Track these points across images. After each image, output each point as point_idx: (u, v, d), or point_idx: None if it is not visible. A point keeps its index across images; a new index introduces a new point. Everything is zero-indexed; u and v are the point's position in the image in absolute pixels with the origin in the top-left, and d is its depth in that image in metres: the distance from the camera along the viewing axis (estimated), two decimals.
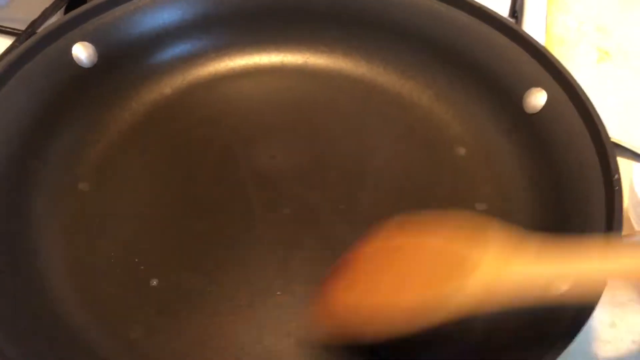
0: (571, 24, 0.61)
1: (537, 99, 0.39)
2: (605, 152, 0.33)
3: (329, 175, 0.41)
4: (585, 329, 0.39)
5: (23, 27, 0.52)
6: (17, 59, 0.39)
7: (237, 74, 0.47)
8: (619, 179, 0.32)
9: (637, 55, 0.57)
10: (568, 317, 0.27)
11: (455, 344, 0.32)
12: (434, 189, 0.40)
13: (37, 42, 0.40)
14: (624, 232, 0.32)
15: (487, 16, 0.42)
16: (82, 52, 0.42)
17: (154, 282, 0.35)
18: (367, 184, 0.40)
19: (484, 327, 0.31)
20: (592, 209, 0.32)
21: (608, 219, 0.31)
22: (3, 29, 0.53)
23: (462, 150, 0.42)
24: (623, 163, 0.42)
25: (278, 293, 0.35)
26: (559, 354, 0.25)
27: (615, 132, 0.49)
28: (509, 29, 0.41)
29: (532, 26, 0.57)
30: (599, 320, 0.40)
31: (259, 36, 0.47)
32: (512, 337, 0.30)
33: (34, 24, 0.52)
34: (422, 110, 0.44)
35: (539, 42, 0.39)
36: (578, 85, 0.37)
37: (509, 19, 0.52)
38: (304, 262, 0.36)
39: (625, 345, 0.39)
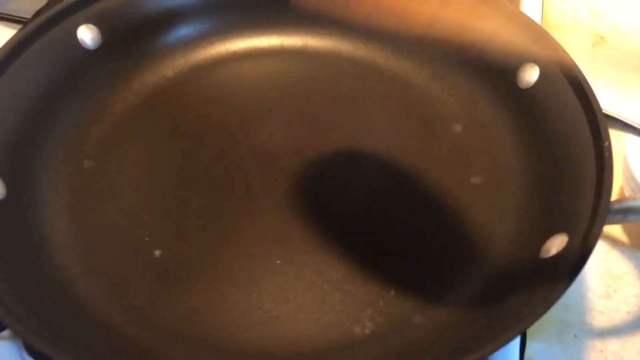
0: (567, 10, 0.61)
1: (531, 74, 0.40)
2: (596, 120, 0.34)
3: (326, 153, 0.41)
4: (580, 300, 0.40)
5: (30, 16, 0.53)
6: (24, 40, 0.40)
7: (238, 57, 0.48)
8: (609, 146, 0.33)
9: (631, 39, 0.58)
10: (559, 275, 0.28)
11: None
12: (430, 165, 0.41)
13: (42, 24, 0.41)
14: (616, 198, 0.33)
15: None
16: (86, 34, 0.43)
17: (157, 253, 0.36)
18: (363, 160, 0.41)
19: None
20: (584, 176, 0.33)
21: (598, 184, 0.31)
22: (11, 17, 0.54)
23: (458, 127, 0.43)
24: (615, 135, 0.42)
25: (277, 261, 0.36)
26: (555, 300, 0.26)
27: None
28: (503, 7, 0.41)
29: (529, 11, 0.58)
30: (594, 291, 0.41)
31: (259, 20, 0.48)
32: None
33: (40, 13, 0.53)
34: (419, 89, 0.45)
35: (530, 18, 0.40)
36: (569, 57, 0.37)
37: None
38: (302, 232, 0.37)
39: (619, 316, 0.40)
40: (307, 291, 0.34)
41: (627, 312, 0.40)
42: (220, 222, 0.38)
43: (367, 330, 0.33)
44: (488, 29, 0.42)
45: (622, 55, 0.57)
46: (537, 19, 0.58)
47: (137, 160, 0.41)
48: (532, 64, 0.40)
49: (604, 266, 0.42)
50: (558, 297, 0.26)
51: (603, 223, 0.29)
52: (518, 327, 0.25)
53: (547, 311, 0.26)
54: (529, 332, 0.38)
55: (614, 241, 0.43)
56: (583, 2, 0.62)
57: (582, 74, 0.36)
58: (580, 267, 0.27)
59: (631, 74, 0.55)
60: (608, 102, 0.51)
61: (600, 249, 0.43)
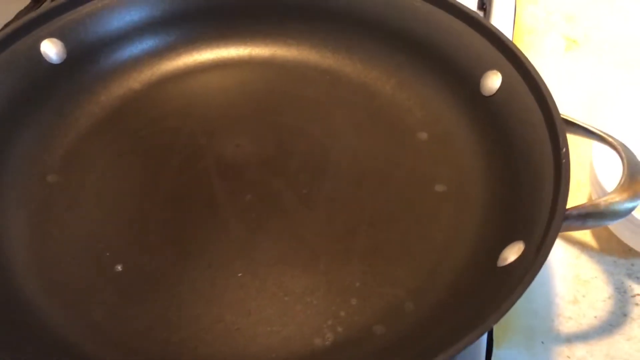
0: (540, 14, 0.62)
1: (493, 81, 0.40)
2: (555, 127, 0.34)
3: (293, 162, 0.41)
4: (548, 305, 0.40)
5: None
6: None
7: (205, 68, 0.48)
8: (566, 152, 0.33)
9: (603, 44, 0.58)
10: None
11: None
12: (395, 173, 0.41)
13: (5, 38, 0.41)
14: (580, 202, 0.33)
15: (447, 4, 0.43)
16: (50, 48, 0.43)
17: (119, 268, 0.36)
18: (329, 169, 0.41)
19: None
20: (542, 182, 0.33)
21: (555, 191, 0.31)
22: None
23: (423, 135, 0.43)
24: (583, 142, 0.42)
25: (239, 274, 0.36)
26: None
27: (581, 118, 0.50)
28: (466, 15, 0.42)
29: (501, 16, 0.59)
30: (562, 297, 0.41)
31: (227, 30, 0.48)
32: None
33: (7, 27, 0.53)
34: (385, 98, 0.45)
35: (495, 27, 0.40)
36: (531, 65, 0.37)
37: (472, 8, 0.53)
38: (266, 244, 0.37)
39: (587, 321, 0.40)
40: (268, 304, 0.34)
41: (595, 317, 0.40)
42: (183, 236, 0.37)
43: (327, 342, 0.33)
44: (454, 38, 0.43)
45: (594, 59, 0.57)
46: (510, 23, 0.58)
47: (102, 174, 0.41)
48: (495, 71, 0.40)
49: (572, 271, 0.42)
50: (510, 305, 0.26)
51: (558, 230, 0.29)
52: (469, 337, 0.25)
53: (497, 321, 0.26)
54: (496, 338, 0.38)
55: (582, 246, 0.44)
56: (557, 6, 0.62)
57: (543, 81, 0.36)
58: (533, 275, 0.27)
59: (603, 78, 0.55)
60: (579, 106, 0.52)
61: (569, 254, 0.43)
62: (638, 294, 0.41)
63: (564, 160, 0.32)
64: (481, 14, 0.58)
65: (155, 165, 0.41)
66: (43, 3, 0.57)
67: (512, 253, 0.31)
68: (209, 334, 0.33)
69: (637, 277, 0.42)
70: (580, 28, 0.60)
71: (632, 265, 0.43)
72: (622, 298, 0.41)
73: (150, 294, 0.35)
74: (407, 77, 0.45)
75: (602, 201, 0.32)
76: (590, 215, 0.32)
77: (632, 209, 0.32)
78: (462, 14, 0.42)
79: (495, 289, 0.29)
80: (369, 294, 0.34)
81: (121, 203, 0.39)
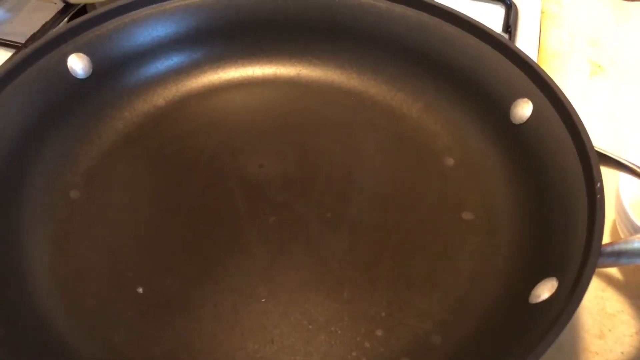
0: (564, 38, 0.61)
1: (524, 109, 0.39)
2: (589, 160, 0.33)
3: (316, 184, 0.41)
4: (573, 340, 0.40)
5: (24, 40, 0.53)
6: (13, 68, 0.39)
7: (230, 86, 0.47)
8: (601, 187, 0.32)
9: (628, 69, 0.58)
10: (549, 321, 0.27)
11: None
12: (421, 199, 0.40)
13: (33, 53, 0.41)
14: (609, 240, 0.32)
15: (475, 29, 0.42)
16: (77, 63, 0.43)
17: (140, 290, 0.35)
18: (353, 192, 0.40)
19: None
20: (574, 217, 0.32)
21: (589, 227, 0.31)
22: (5, 42, 0.54)
23: (450, 161, 0.42)
24: (609, 173, 0.42)
25: (262, 300, 0.35)
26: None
27: (606, 144, 0.49)
28: (496, 41, 0.41)
29: (526, 40, 0.58)
30: (588, 331, 0.40)
31: (253, 49, 0.48)
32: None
33: (34, 37, 0.53)
34: (411, 121, 0.44)
35: (525, 53, 0.40)
36: (563, 95, 0.37)
37: (497, 31, 0.53)
38: (289, 269, 0.36)
39: (613, 356, 0.39)
40: (292, 331, 0.34)
41: (622, 352, 0.39)
42: (206, 257, 0.37)
43: None
44: (483, 63, 0.42)
45: (620, 84, 0.56)
46: (534, 47, 0.58)
47: (124, 191, 0.41)
48: (526, 99, 0.39)
49: (598, 305, 0.42)
50: (547, 346, 0.25)
51: (594, 269, 0.29)
52: None
53: None
54: None
55: (609, 278, 0.43)
56: (580, 30, 0.62)
57: (575, 112, 0.36)
58: (570, 315, 0.26)
59: (628, 104, 0.54)
60: (604, 131, 0.51)
61: (595, 286, 0.42)
62: None
63: (598, 196, 0.31)
64: (506, 36, 0.57)
65: (178, 183, 0.41)
66: (69, 14, 0.57)
67: (545, 290, 0.30)
68: None
69: None
70: (605, 53, 0.60)
71: None
72: None
73: (171, 318, 0.34)
74: (434, 101, 0.45)
75: (637, 238, 0.31)
76: (624, 253, 0.31)
77: None
78: (491, 38, 0.42)
79: (527, 327, 0.29)
80: (395, 325, 0.34)
81: (143, 222, 0.39)
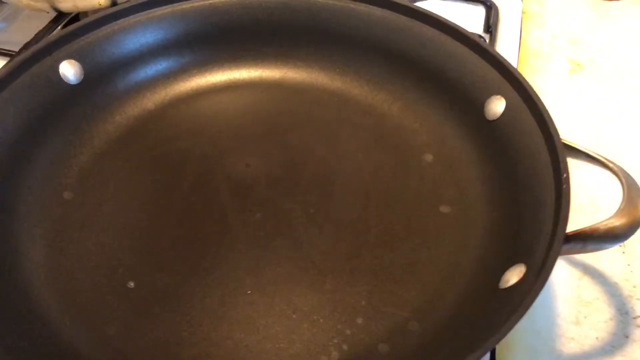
0: (545, 38, 0.63)
1: (497, 106, 0.41)
2: (556, 152, 0.35)
3: (301, 182, 0.42)
4: (550, 326, 0.41)
5: (17, 49, 0.55)
6: (6, 75, 0.41)
7: (217, 89, 0.49)
8: (567, 178, 0.34)
9: (607, 67, 0.59)
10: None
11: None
12: (401, 193, 0.42)
13: (26, 60, 0.42)
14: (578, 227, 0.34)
15: (452, 30, 0.44)
16: (69, 69, 0.44)
17: (131, 284, 0.37)
18: (336, 189, 0.42)
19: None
20: (543, 206, 0.34)
21: (556, 216, 0.32)
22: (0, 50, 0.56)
23: (429, 157, 0.44)
24: (578, 164, 0.43)
25: (248, 292, 0.37)
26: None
27: (584, 137, 0.51)
28: (471, 42, 0.43)
29: (507, 40, 0.60)
30: (564, 318, 0.42)
31: (239, 53, 0.50)
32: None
33: (28, 46, 0.55)
34: (392, 120, 0.46)
35: (498, 53, 0.41)
36: (534, 91, 0.38)
37: (479, 32, 0.54)
38: (274, 263, 0.38)
39: (589, 342, 0.40)
40: (276, 321, 0.35)
41: (597, 338, 0.41)
42: (194, 253, 0.39)
43: (333, 359, 0.33)
44: (459, 63, 0.44)
45: (598, 82, 0.58)
46: (515, 47, 0.60)
47: (116, 192, 0.42)
48: (499, 96, 0.41)
49: (575, 292, 0.43)
50: (510, 328, 0.27)
51: (557, 254, 0.30)
52: (469, 358, 0.26)
53: (497, 343, 0.27)
54: (499, 358, 0.39)
55: (585, 267, 0.44)
56: (562, 30, 0.64)
57: (545, 107, 0.37)
58: (533, 298, 0.28)
59: (606, 101, 0.56)
60: (582, 129, 0.53)
61: (572, 275, 0.44)
62: (639, 316, 0.42)
63: (564, 186, 0.33)
64: (487, 37, 0.59)
65: (168, 183, 0.43)
66: (62, 22, 0.58)
67: (513, 275, 0.32)
68: (218, 350, 0.34)
69: (639, 299, 0.42)
70: (584, 52, 0.62)
71: (634, 287, 0.43)
72: (623, 320, 0.42)
73: (161, 311, 0.36)
74: (413, 100, 0.46)
75: (602, 225, 0.33)
76: (590, 239, 0.33)
77: (631, 234, 0.33)
78: (467, 39, 0.44)
79: (496, 311, 0.30)
80: (375, 313, 0.35)
81: (134, 220, 0.41)
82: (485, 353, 0.27)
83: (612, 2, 0.67)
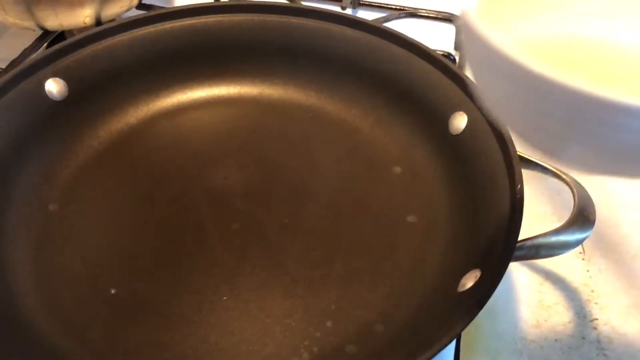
0: None
1: (460, 121, 0.43)
2: (512, 164, 0.37)
3: (276, 193, 0.45)
4: (512, 329, 0.43)
5: (4, 66, 0.57)
6: None
7: (197, 105, 0.51)
8: (521, 189, 0.36)
9: None
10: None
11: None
12: (371, 204, 0.44)
13: (13, 78, 0.44)
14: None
15: (419, 50, 0.47)
16: (54, 86, 0.47)
17: (113, 291, 0.39)
18: (309, 200, 0.44)
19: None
20: (499, 215, 0.36)
21: (510, 224, 0.35)
22: None
23: (398, 169, 0.46)
24: (533, 176, 0.46)
25: (224, 298, 0.39)
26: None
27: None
28: (437, 60, 0.46)
29: None
30: (525, 321, 0.44)
31: (218, 70, 0.52)
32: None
33: (14, 63, 0.57)
34: (364, 135, 0.49)
35: (459, 70, 0.44)
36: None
37: (448, 50, 0.57)
38: (249, 270, 0.40)
39: (548, 344, 0.43)
40: (250, 325, 0.37)
41: (555, 340, 0.43)
42: (173, 261, 0.41)
43: None
44: (425, 80, 0.47)
45: None
46: None
47: (99, 203, 0.44)
48: (462, 112, 0.43)
49: (536, 297, 0.46)
50: (461, 328, 0.29)
51: (509, 259, 0.33)
52: (423, 356, 0.28)
53: (450, 342, 0.29)
54: (462, 359, 0.41)
55: (547, 273, 0.47)
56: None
57: (503, 123, 0.40)
58: (485, 300, 0.30)
59: None
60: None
61: (534, 280, 0.47)
62: (596, 319, 0.44)
63: (518, 196, 0.36)
64: (457, 54, 0.62)
65: (149, 195, 0.45)
66: (47, 40, 0.60)
67: (470, 279, 0.34)
68: (195, 352, 0.36)
69: (596, 303, 0.45)
70: None
71: (593, 291, 0.46)
72: (581, 322, 0.44)
73: (141, 316, 0.38)
74: (384, 116, 0.49)
75: (553, 233, 0.35)
76: (542, 247, 0.35)
77: (581, 240, 0.36)
78: (431, 57, 0.46)
79: (453, 312, 0.33)
80: (343, 317, 0.37)
81: (116, 231, 0.43)
82: (437, 352, 0.29)
83: None
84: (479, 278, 0.34)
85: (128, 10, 0.60)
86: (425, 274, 0.39)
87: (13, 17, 0.55)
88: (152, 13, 0.51)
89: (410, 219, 0.43)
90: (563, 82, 0.21)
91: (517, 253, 0.34)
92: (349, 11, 0.64)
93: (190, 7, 0.51)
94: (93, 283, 0.39)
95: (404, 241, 0.41)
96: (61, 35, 0.62)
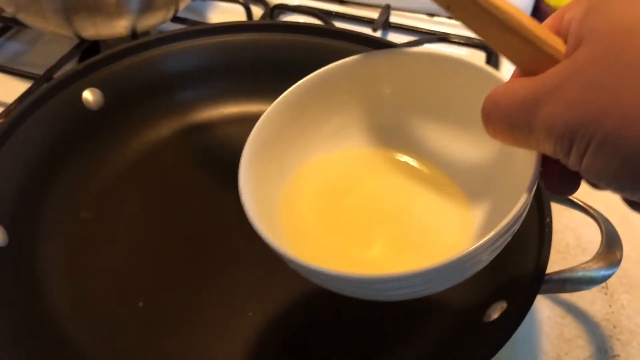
0: None
1: None
2: (541, 197, 0.38)
3: None
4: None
5: (41, 72, 0.58)
6: (34, 102, 0.44)
7: (229, 120, 0.52)
8: (549, 222, 0.36)
9: None
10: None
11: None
12: None
13: (52, 87, 0.46)
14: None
15: None
16: (91, 97, 0.48)
17: (141, 303, 0.39)
18: None
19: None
20: (526, 248, 0.36)
21: (538, 257, 0.35)
22: (24, 73, 0.59)
23: None
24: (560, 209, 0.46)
25: (250, 314, 0.39)
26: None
27: None
28: None
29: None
30: (546, 354, 0.44)
31: (251, 87, 0.53)
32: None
33: (51, 70, 0.58)
34: None
35: None
36: None
37: None
38: (277, 287, 0.41)
39: None
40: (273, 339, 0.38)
41: None
42: (201, 275, 0.41)
43: None
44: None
45: None
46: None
47: (130, 213, 0.45)
48: None
49: (557, 330, 0.46)
50: (490, 357, 0.29)
51: (536, 293, 0.33)
52: None
53: None
54: None
55: (569, 306, 0.47)
56: None
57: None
58: (511, 332, 0.31)
59: None
60: None
61: (556, 313, 0.47)
62: (617, 355, 0.44)
63: (547, 230, 0.36)
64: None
65: (179, 208, 0.45)
66: (83, 48, 0.62)
67: (496, 311, 0.35)
68: None
69: (618, 339, 0.45)
70: None
71: (614, 327, 0.46)
72: (602, 358, 0.44)
73: (168, 328, 0.38)
74: None
75: (580, 268, 0.35)
76: (568, 281, 0.35)
77: (607, 277, 0.36)
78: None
79: (478, 343, 0.33)
80: (365, 337, 0.38)
81: (146, 241, 0.43)
82: None
83: None
84: (505, 309, 0.34)
85: (163, 22, 0.62)
86: (451, 303, 0.39)
87: (52, 26, 0.57)
88: (190, 29, 0.52)
89: None
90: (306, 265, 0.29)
91: (544, 286, 0.34)
92: (379, 33, 0.65)
93: (227, 24, 0.52)
94: (122, 293, 0.40)
95: None
96: (95, 44, 0.64)
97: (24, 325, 0.36)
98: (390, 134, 0.36)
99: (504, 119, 0.24)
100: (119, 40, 0.61)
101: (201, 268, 0.42)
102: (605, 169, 0.20)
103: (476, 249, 0.25)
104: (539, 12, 0.70)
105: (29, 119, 0.44)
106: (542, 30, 0.24)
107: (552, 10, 0.69)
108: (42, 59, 0.63)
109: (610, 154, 0.19)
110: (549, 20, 0.24)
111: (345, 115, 0.36)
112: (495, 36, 0.24)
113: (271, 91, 0.53)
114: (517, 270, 0.36)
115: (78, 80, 0.47)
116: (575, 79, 0.20)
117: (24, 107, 0.43)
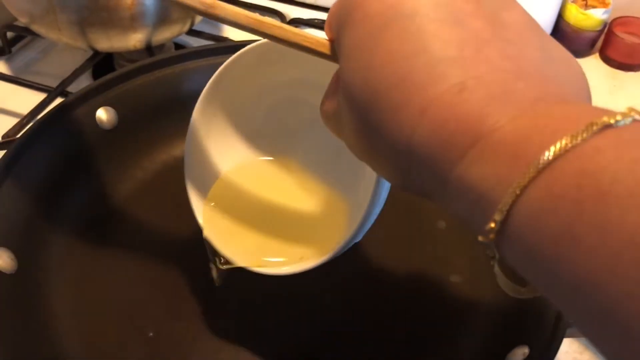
0: None
1: None
2: None
3: None
4: None
5: (54, 84, 0.57)
6: (48, 120, 0.44)
7: None
8: None
9: None
10: None
11: None
12: (414, 259, 0.43)
13: (66, 105, 0.45)
14: None
15: None
16: (105, 116, 0.47)
17: (151, 334, 0.39)
18: (350, 253, 0.44)
19: None
20: None
21: None
22: (37, 85, 0.59)
23: (442, 224, 0.45)
24: None
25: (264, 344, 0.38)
26: None
27: None
28: None
29: None
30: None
31: None
32: None
33: (64, 83, 0.58)
34: None
35: None
36: None
37: None
38: (290, 318, 0.40)
39: None
40: None
41: None
42: (212, 305, 0.40)
43: None
44: None
45: None
46: None
47: (140, 236, 0.44)
48: None
49: None
50: None
51: (561, 339, 0.32)
52: None
53: None
54: None
55: (587, 341, 0.45)
56: None
57: None
58: None
59: None
60: None
61: (574, 348, 0.45)
62: None
63: None
64: None
65: (191, 232, 0.44)
66: (96, 60, 0.61)
67: (519, 355, 0.33)
68: None
69: None
70: None
71: None
72: None
73: (179, 359, 0.37)
74: None
75: None
76: None
77: None
78: None
79: None
80: None
81: (156, 268, 0.42)
82: None
83: (629, 73, 0.69)
84: (528, 355, 0.33)
85: (179, 35, 0.61)
86: (467, 341, 0.38)
87: (67, 37, 0.56)
88: (205, 47, 0.51)
89: (454, 278, 0.42)
90: None
91: (569, 330, 0.33)
92: None
93: (242, 42, 0.51)
94: (132, 322, 0.39)
95: (447, 303, 0.40)
96: (109, 56, 0.63)
97: (30, 355, 0.35)
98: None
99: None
100: (133, 52, 0.60)
101: (213, 298, 0.41)
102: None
103: None
104: (559, 31, 0.69)
105: (42, 136, 0.43)
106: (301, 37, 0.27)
107: (572, 29, 0.68)
108: (56, 68, 0.63)
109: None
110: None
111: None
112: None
113: None
114: (539, 312, 0.35)
115: (92, 98, 0.46)
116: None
117: (37, 125, 0.43)
